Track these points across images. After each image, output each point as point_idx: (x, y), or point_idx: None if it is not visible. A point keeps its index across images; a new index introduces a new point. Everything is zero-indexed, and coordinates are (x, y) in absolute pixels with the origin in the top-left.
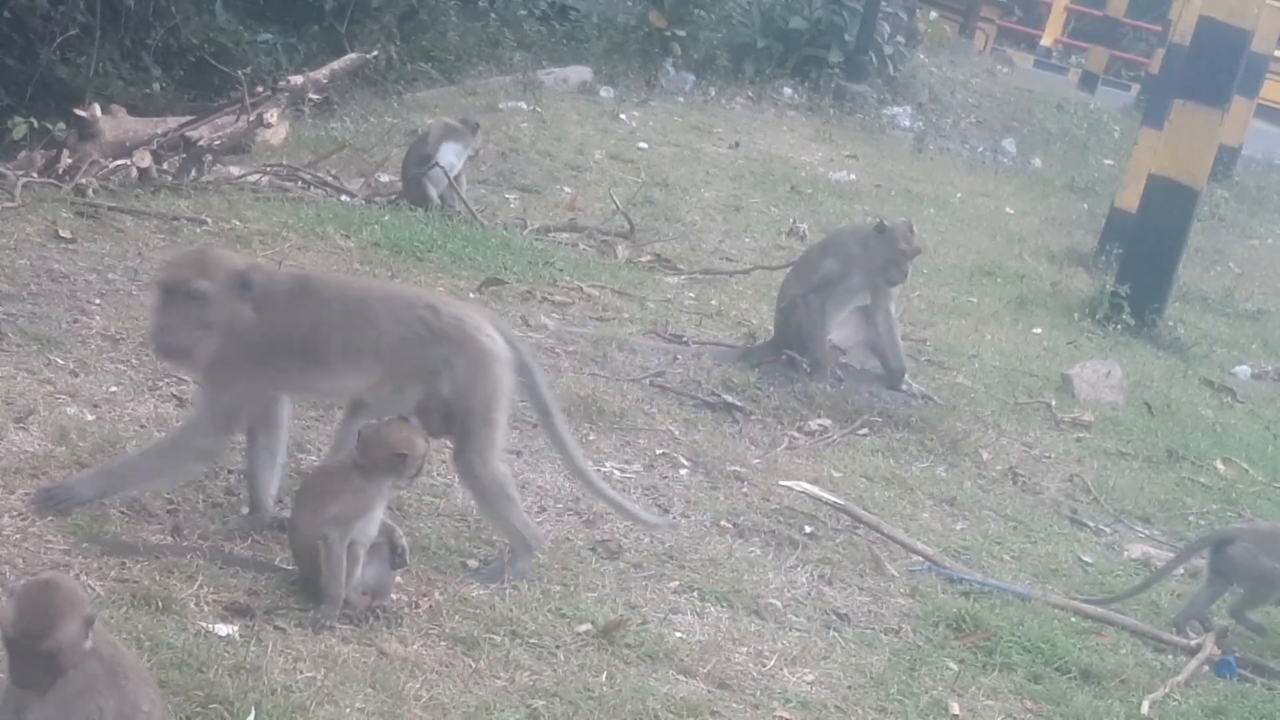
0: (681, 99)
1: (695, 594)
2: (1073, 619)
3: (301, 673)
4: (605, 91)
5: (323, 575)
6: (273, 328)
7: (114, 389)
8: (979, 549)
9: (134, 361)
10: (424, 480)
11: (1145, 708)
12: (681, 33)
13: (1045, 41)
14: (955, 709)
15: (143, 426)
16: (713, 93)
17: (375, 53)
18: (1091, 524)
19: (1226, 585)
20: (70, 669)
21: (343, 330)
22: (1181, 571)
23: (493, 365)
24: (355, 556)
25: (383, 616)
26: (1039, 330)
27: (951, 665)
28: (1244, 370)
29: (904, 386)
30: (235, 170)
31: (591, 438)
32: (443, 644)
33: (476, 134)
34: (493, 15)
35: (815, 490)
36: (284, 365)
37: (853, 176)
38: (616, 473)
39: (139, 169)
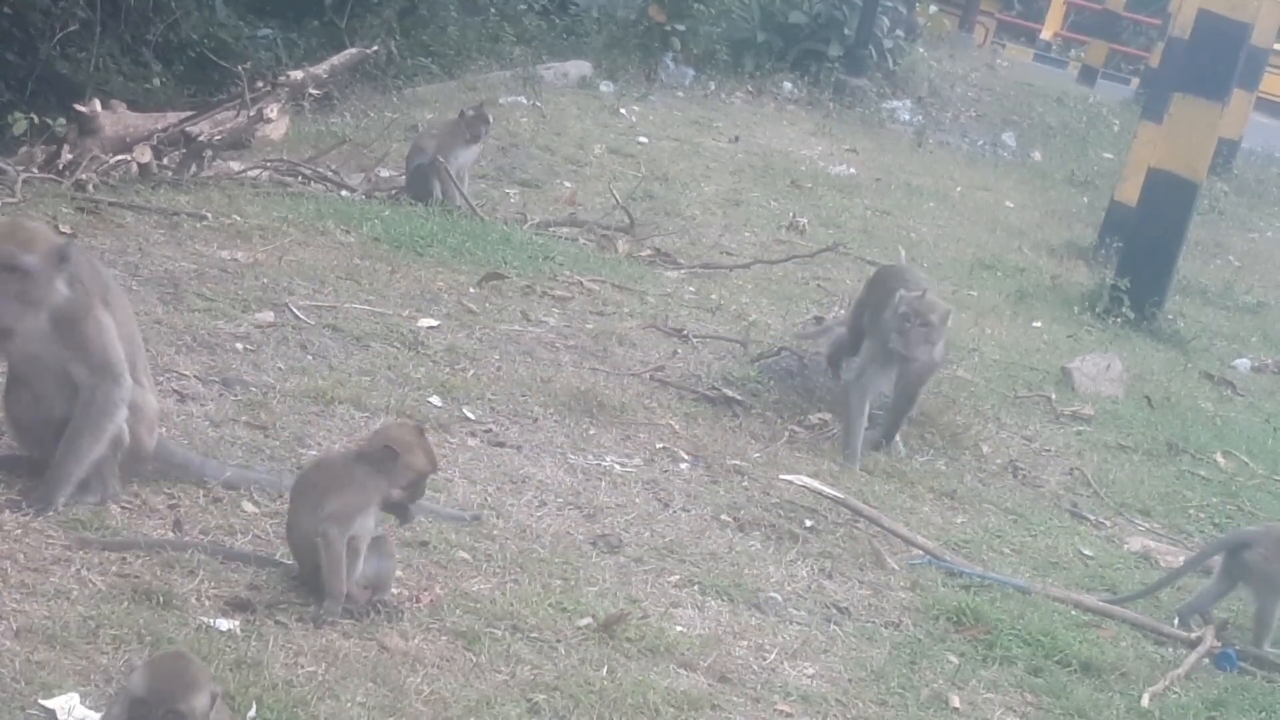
0: (681, 93)
1: (696, 588)
2: (1073, 612)
3: (302, 667)
4: (605, 86)
5: (323, 571)
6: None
7: None
8: (979, 542)
9: None
10: None
11: (1145, 700)
12: (681, 27)
13: (1045, 35)
14: (956, 702)
15: None
16: (712, 87)
17: (375, 48)
18: (1091, 517)
19: (1234, 585)
20: None
21: None
22: (1182, 563)
23: None
24: (356, 551)
25: (383, 611)
26: (1039, 324)
27: (952, 658)
28: (1244, 363)
29: (855, 464)
30: (235, 165)
31: (592, 432)
32: (443, 638)
33: (461, 119)
34: (492, 10)
35: (815, 484)
36: None
37: (853, 170)
38: (617, 467)
39: (139, 164)
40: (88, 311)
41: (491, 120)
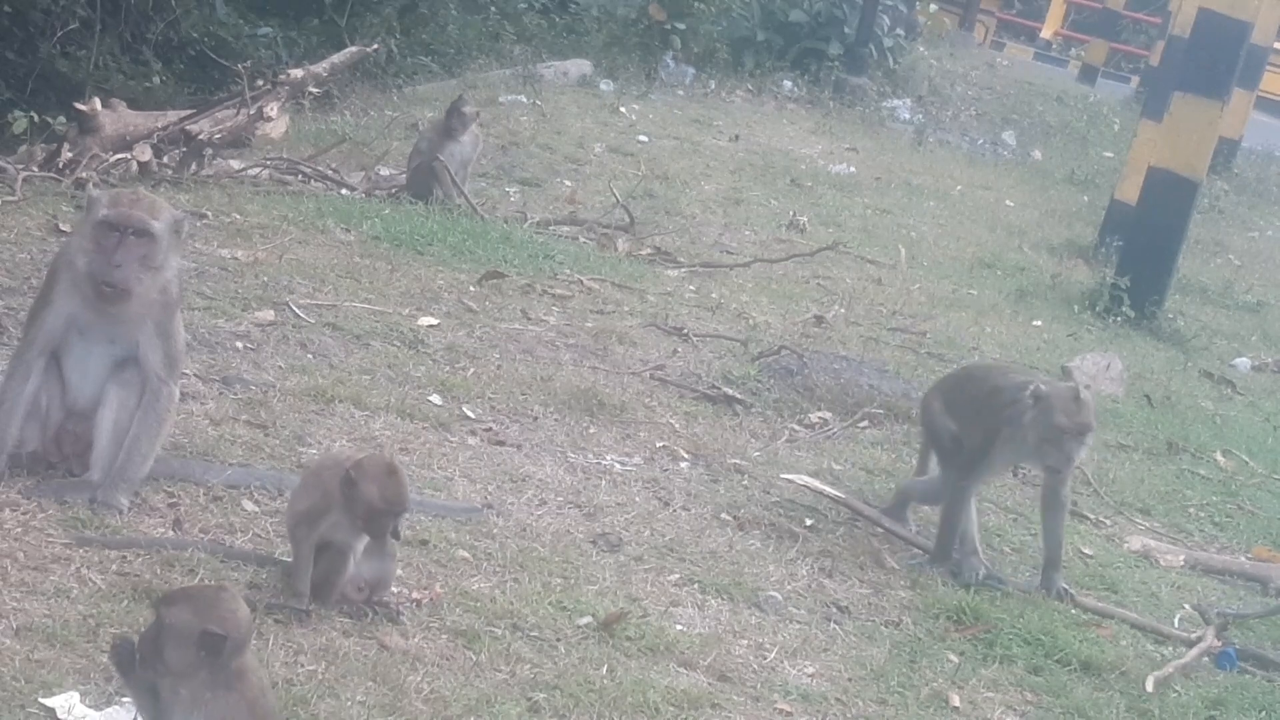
0: (681, 92)
1: (696, 587)
2: (1073, 611)
3: (303, 666)
4: (605, 85)
5: (291, 564)
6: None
7: None
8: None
9: None
10: (426, 475)
11: (1149, 685)
12: (681, 26)
13: (1045, 34)
14: (956, 701)
15: None
16: (712, 86)
17: (375, 46)
18: (1091, 516)
19: None
20: (176, 674)
21: None
22: (1183, 562)
23: None
24: (343, 555)
25: (381, 612)
26: (1039, 323)
27: (952, 657)
28: (1243, 362)
29: (1057, 587)
30: (235, 164)
31: (592, 431)
32: (444, 637)
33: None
34: (493, 8)
35: (817, 484)
36: None
37: (852, 169)
38: (617, 465)
39: (139, 163)
40: (180, 300)
41: (468, 112)
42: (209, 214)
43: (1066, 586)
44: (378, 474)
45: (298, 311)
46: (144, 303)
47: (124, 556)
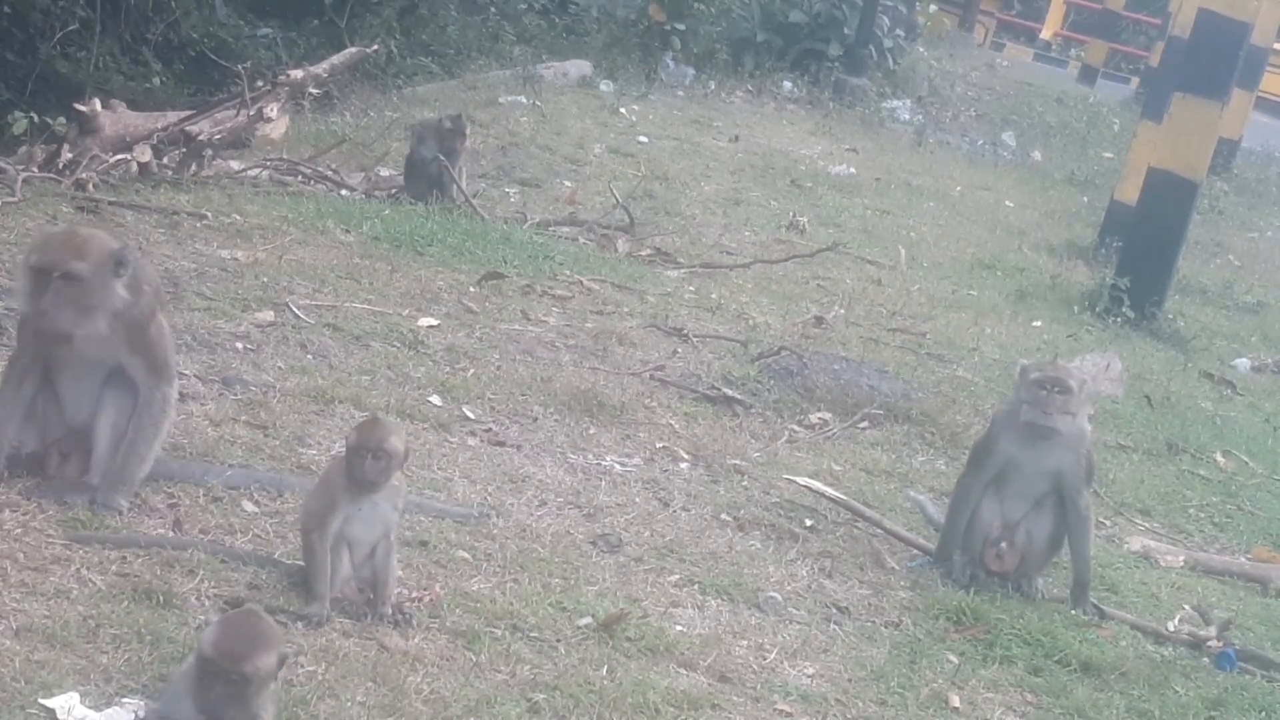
0: (681, 93)
1: (696, 587)
2: (1072, 612)
3: (302, 667)
4: (605, 85)
5: (307, 570)
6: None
7: None
8: None
9: None
10: (425, 475)
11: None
12: (681, 26)
13: (1044, 35)
14: (955, 702)
15: None
16: (712, 87)
17: (375, 47)
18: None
19: None
20: (258, 708)
21: None
22: (1182, 563)
23: None
24: (340, 554)
25: (393, 617)
26: (1039, 323)
27: (952, 658)
28: (1243, 363)
29: (1088, 607)
30: (235, 165)
31: (592, 431)
32: (443, 638)
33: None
34: (492, 9)
35: (817, 485)
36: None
37: (852, 170)
38: (617, 466)
39: (139, 164)
40: (153, 314)
41: (467, 132)
42: (209, 214)
43: (1097, 603)
44: (360, 423)
45: (297, 312)
46: (96, 338)
47: (124, 557)
